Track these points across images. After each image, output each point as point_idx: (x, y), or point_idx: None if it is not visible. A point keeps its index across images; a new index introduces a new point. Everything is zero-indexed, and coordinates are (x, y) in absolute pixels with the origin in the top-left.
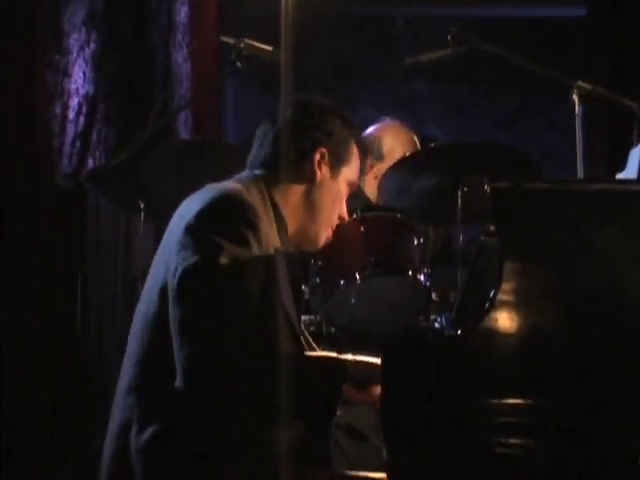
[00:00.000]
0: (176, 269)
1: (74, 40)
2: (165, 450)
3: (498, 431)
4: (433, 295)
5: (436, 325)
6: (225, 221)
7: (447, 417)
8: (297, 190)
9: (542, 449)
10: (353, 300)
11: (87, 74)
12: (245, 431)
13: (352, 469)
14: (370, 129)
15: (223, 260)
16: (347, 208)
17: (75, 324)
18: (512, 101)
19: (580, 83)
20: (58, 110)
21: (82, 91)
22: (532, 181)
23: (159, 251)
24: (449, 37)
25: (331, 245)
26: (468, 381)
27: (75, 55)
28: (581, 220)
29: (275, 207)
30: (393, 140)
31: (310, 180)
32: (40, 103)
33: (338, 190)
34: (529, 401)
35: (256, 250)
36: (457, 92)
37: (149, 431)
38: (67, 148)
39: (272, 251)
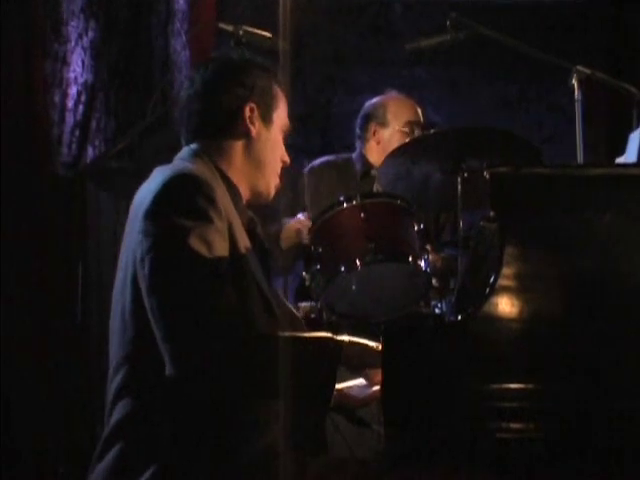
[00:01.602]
0: (143, 259)
1: (72, 28)
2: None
3: (499, 416)
4: (433, 281)
5: (437, 311)
6: (183, 200)
7: (448, 402)
8: (237, 151)
9: (543, 434)
10: (353, 287)
11: (86, 62)
12: (236, 411)
13: (353, 456)
14: (376, 98)
15: (190, 240)
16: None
17: (76, 312)
18: (512, 86)
19: (579, 68)
20: (57, 99)
21: (81, 80)
22: (532, 166)
23: (123, 242)
24: (448, 22)
25: (331, 232)
26: (469, 366)
27: (74, 43)
28: (581, 205)
29: (223, 175)
30: (397, 108)
31: (247, 137)
32: (39, 92)
33: (275, 137)
34: (530, 386)
35: (218, 223)
36: (456, 77)
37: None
38: (66, 137)
39: (233, 221)
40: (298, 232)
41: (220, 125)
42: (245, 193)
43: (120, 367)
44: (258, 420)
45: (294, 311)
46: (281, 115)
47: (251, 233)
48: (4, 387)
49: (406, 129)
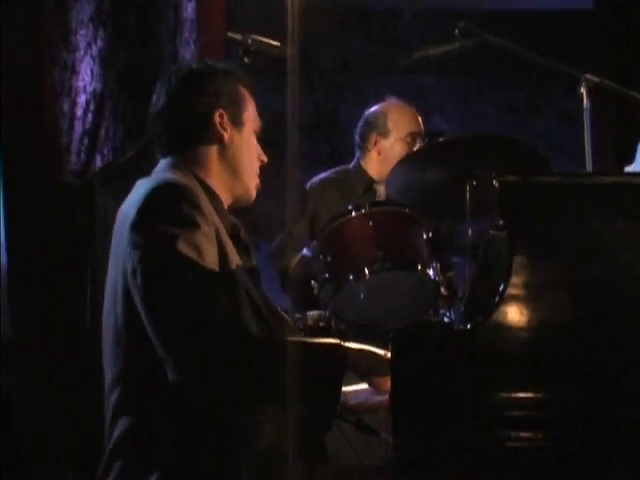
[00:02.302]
0: (135, 271)
1: (81, 37)
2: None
3: (508, 425)
4: (442, 289)
5: (445, 319)
6: (168, 209)
7: (456, 411)
8: (213, 158)
9: (552, 442)
10: (362, 295)
11: (95, 71)
12: (237, 416)
13: (361, 464)
14: (375, 107)
15: (179, 246)
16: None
17: (85, 318)
18: (520, 94)
19: (588, 76)
20: (66, 107)
21: (90, 88)
22: (540, 174)
23: (110, 256)
24: (456, 31)
25: (340, 240)
26: (477, 375)
27: (82, 52)
28: (590, 213)
29: (202, 184)
30: (398, 118)
31: (220, 143)
32: (48, 100)
33: (248, 138)
34: (538, 394)
35: (205, 228)
36: (465, 85)
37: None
38: (75, 145)
39: (218, 228)
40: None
41: (192, 135)
42: (226, 198)
43: (117, 383)
44: (259, 425)
45: (285, 316)
46: (251, 115)
47: (235, 239)
48: (14, 391)
49: (407, 139)
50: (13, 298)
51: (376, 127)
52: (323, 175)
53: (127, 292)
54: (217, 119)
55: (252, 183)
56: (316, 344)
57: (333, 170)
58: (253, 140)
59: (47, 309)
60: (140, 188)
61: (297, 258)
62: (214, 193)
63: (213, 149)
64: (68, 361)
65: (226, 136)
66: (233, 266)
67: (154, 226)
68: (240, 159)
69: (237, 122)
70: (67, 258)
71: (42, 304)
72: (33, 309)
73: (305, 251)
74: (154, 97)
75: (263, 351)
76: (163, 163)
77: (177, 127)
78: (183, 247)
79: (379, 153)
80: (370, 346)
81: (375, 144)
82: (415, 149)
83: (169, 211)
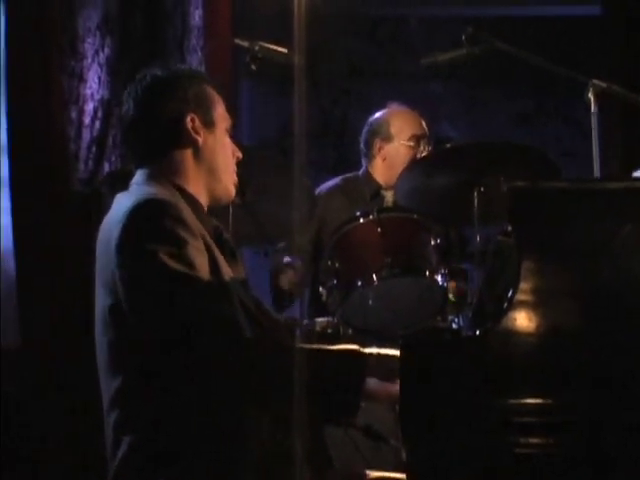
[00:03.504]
0: (127, 295)
1: (89, 45)
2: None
3: (517, 431)
4: (450, 295)
5: (454, 325)
6: (153, 227)
7: (466, 417)
8: (189, 163)
9: (562, 448)
10: (370, 301)
11: (102, 79)
12: (239, 423)
13: (370, 470)
14: (378, 113)
15: (168, 263)
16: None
17: (93, 331)
18: (528, 100)
19: (596, 81)
20: (74, 115)
21: (97, 96)
22: (550, 180)
23: (97, 272)
24: (464, 37)
25: (348, 246)
26: (487, 381)
27: (90, 60)
28: (599, 219)
29: (182, 192)
30: (401, 122)
31: (194, 147)
32: (56, 108)
33: (221, 138)
34: (548, 400)
35: (191, 240)
36: (473, 91)
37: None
38: (83, 153)
39: (204, 236)
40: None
41: (165, 143)
42: (205, 201)
43: (114, 403)
44: (260, 430)
45: (277, 318)
46: (221, 114)
47: (219, 240)
48: (20, 399)
49: (411, 143)
50: (21, 305)
51: (379, 133)
52: (331, 182)
53: (118, 311)
54: (189, 124)
55: (230, 182)
56: (334, 351)
57: (341, 177)
58: (226, 139)
59: (54, 317)
60: (120, 205)
61: (283, 264)
62: (194, 199)
63: (188, 154)
64: (75, 369)
65: (200, 139)
66: (224, 273)
67: (140, 247)
68: (216, 160)
69: (209, 124)
70: (74, 265)
71: (49, 312)
72: (40, 317)
73: (288, 259)
74: (123, 107)
75: (266, 355)
76: (140, 174)
77: (149, 136)
78: (174, 264)
79: (384, 159)
80: (388, 350)
81: (379, 150)
82: (420, 153)
83: (153, 229)
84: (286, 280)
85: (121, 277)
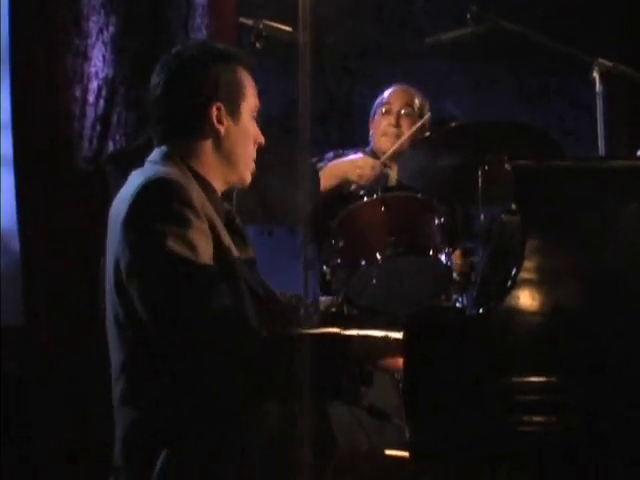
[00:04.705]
0: (130, 271)
1: (93, 23)
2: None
3: (521, 409)
4: (454, 274)
5: (458, 304)
6: (159, 206)
7: (469, 395)
8: (208, 150)
9: (565, 427)
10: (374, 280)
11: (107, 57)
12: (240, 408)
13: (374, 449)
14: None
15: (171, 244)
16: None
17: (98, 309)
18: (532, 79)
19: (600, 60)
20: (78, 94)
21: (102, 74)
22: (554, 159)
23: (107, 247)
24: (468, 16)
25: (352, 226)
26: (490, 360)
27: (94, 38)
28: (603, 197)
29: (197, 176)
30: (393, 99)
31: (216, 137)
32: (60, 86)
33: (245, 128)
34: (552, 379)
35: (198, 224)
36: (477, 70)
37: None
38: (87, 131)
39: (214, 220)
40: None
41: (188, 128)
42: (220, 187)
43: (121, 373)
44: (263, 413)
45: (282, 300)
46: (250, 102)
47: (230, 226)
48: (24, 378)
49: (382, 109)
50: (24, 284)
51: (378, 109)
52: (335, 153)
53: (122, 286)
54: (214, 113)
55: (247, 170)
56: (315, 335)
57: (348, 150)
58: (251, 126)
59: (58, 296)
60: (132, 181)
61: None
62: (208, 184)
63: (208, 142)
64: (77, 348)
65: (222, 130)
66: (232, 256)
67: (145, 225)
68: (236, 149)
69: (234, 113)
70: (78, 244)
71: (53, 291)
72: (44, 296)
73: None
74: (153, 79)
75: (264, 344)
76: (157, 152)
77: (173, 119)
78: (174, 245)
79: (373, 132)
80: (369, 330)
81: (371, 124)
82: (402, 124)
83: (159, 209)
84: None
85: (123, 252)
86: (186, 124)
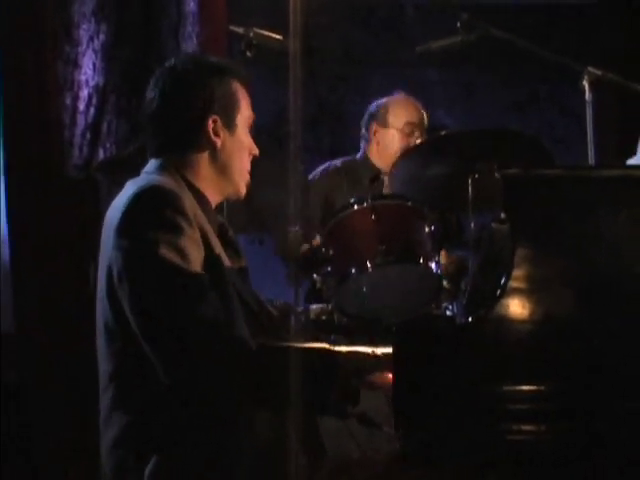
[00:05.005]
0: (121, 276)
1: (84, 31)
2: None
3: (510, 418)
4: (444, 283)
5: (448, 313)
6: (152, 213)
7: (459, 404)
8: (203, 162)
9: (554, 435)
10: (364, 289)
11: (97, 65)
12: (227, 417)
13: (364, 457)
14: (382, 99)
15: (162, 252)
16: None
17: (88, 316)
18: (523, 87)
19: (590, 69)
20: (68, 101)
21: (92, 82)
22: (543, 167)
23: (100, 255)
24: (459, 24)
25: (342, 234)
26: (480, 368)
27: (85, 46)
28: (592, 206)
29: (191, 187)
30: (398, 109)
31: (212, 148)
32: (50, 94)
33: (240, 140)
34: (541, 388)
35: (190, 232)
36: (468, 78)
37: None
38: (78, 139)
39: (206, 230)
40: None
41: (184, 141)
42: (214, 199)
43: (110, 381)
44: (251, 422)
45: (273, 311)
46: (245, 114)
47: (223, 238)
48: (16, 386)
49: (406, 130)
50: (16, 292)
51: (377, 117)
52: (328, 164)
53: (113, 293)
54: (210, 125)
55: (242, 182)
56: (303, 349)
57: (341, 159)
58: (246, 138)
59: (48, 303)
60: (127, 190)
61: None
62: (202, 195)
63: (205, 154)
64: (68, 355)
65: (218, 142)
66: (223, 267)
67: (137, 231)
68: (231, 161)
69: (230, 125)
70: (70, 252)
71: (45, 298)
72: (36, 303)
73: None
74: (148, 93)
75: (252, 354)
76: (152, 163)
77: (170, 132)
78: (166, 252)
79: (378, 143)
80: (358, 346)
81: (375, 134)
82: (415, 141)
83: (152, 216)
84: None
85: (116, 258)
86: (182, 137)
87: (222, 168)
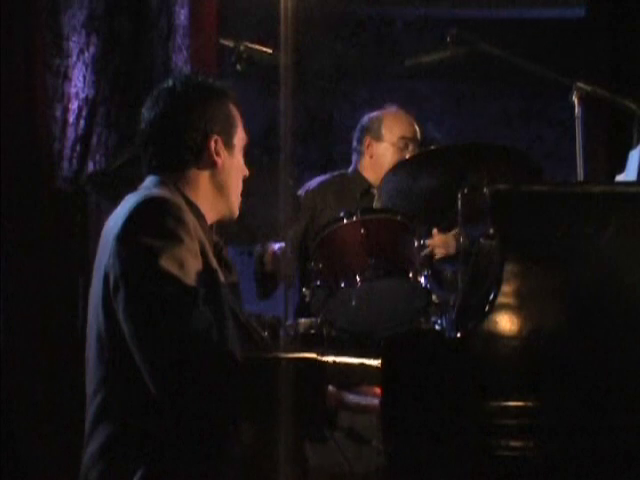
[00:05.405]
0: (117, 283)
1: (74, 43)
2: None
3: (499, 433)
4: (433, 297)
5: (437, 327)
6: (152, 222)
7: (447, 419)
8: (203, 180)
9: (543, 451)
10: (353, 302)
11: (87, 77)
12: (216, 430)
13: (352, 472)
14: (375, 112)
15: (161, 261)
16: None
17: (76, 327)
18: (512, 101)
19: (580, 84)
20: (58, 114)
21: (82, 94)
22: (531, 183)
23: (94, 267)
24: (448, 38)
25: (331, 247)
26: (469, 383)
27: (75, 58)
28: (581, 222)
29: (189, 203)
30: (393, 123)
31: (212, 167)
32: (40, 106)
33: (238, 160)
34: (530, 403)
35: (189, 243)
36: (458, 92)
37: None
38: (67, 152)
39: (204, 243)
40: (274, 257)
41: (185, 160)
42: (210, 218)
43: (98, 390)
44: (236, 438)
45: (260, 331)
46: (240, 135)
47: (218, 257)
48: (4, 402)
49: (400, 144)
50: (5, 305)
51: (370, 131)
52: (321, 178)
53: (108, 302)
54: (212, 145)
55: (236, 201)
56: (292, 359)
57: (331, 174)
58: (240, 159)
59: (37, 314)
60: (127, 202)
61: (269, 252)
62: (200, 212)
63: (205, 173)
64: (57, 366)
65: (220, 162)
66: (219, 282)
67: (138, 239)
68: (229, 181)
69: (229, 146)
70: (58, 263)
71: (34, 310)
72: (23, 314)
73: (276, 246)
74: (145, 112)
75: (241, 368)
76: (151, 179)
77: (171, 150)
78: (165, 262)
79: (371, 156)
80: (348, 356)
81: (368, 147)
82: (408, 156)
83: (153, 225)
84: (270, 262)
85: (113, 265)
86: (184, 157)
87: (220, 187)
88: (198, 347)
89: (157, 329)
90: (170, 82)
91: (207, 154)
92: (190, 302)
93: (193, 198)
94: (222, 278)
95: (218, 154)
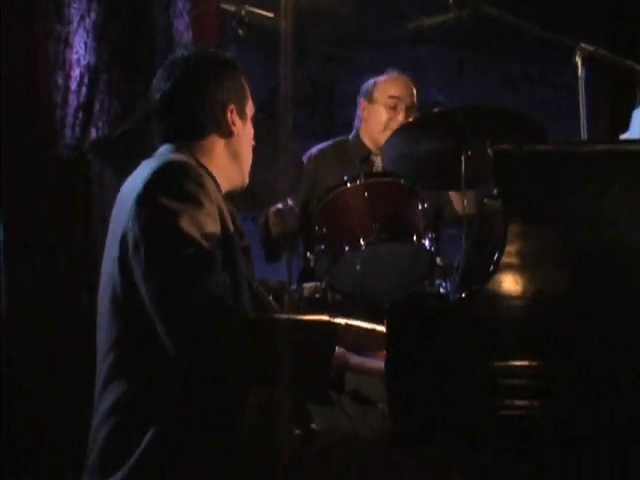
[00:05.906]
0: (137, 243)
1: (75, 10)
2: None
3: (503, 393)
4: (437, 260)
5: (441, 290)
6: (173, 185)
7: (452, 381)
8: (219, 149)
9: (547, 411)
10: (358, 266)
11: (88, 44)
12: (229, 389)
13: (357, 435)
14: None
15: (181, 222)
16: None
17: (80, 294)
18: (515, 64)
19: (583, 45)
20: (60, 81)
21: (84, 61)
22: (535, 143)
23: (110, 230)
24: (451, 1)
25: (335, 212)
26: (473, 344)
27: (76, 25)
28: (584, 181)
29: (205, 171)
30: (385, 84)
31: (229, 137)
32: (42, 74)
33: (249, 130)
34: (534, 363)
35: (209, 206)
36: (460, 56)
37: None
38: (69, 119)
39: (222, 207)
40: (278, 215)
41: (205, 128)
42: (223, 186)
43: (111, 350)
44: (244, 396)
45: (266, 297)
46: (250, 105)
47: (233, 222)
48: (8, 375)
49: (389, 103)
50: (9, 273)
51: (365, 94)
52: (321, 145)
53: (125, 263)
54: (229, 114)
55: (247, 170)
56: (306, 321)
57: (331, 140)
58: (252, 128)
59: (40, 283)
60: (145, 167)
61: (272, 210)
62: (215, 180)
63: (221, 141)
64: (60, 336)
65: (235, 130)
66: (236, 246)
67: (158, 201)
68: (242, 149)
69: (243, 115)
70: (60, 231)
71: (35, 278)
72: (26, 283)
73: (279, 205)
74: (158, 82)
75: (257, 331)
76: (167, 147)
77: (191, 120)
78: (185, 224)
79: (366, 120)
80: (359, 321)
81: (363, 111)
82: (400, 115)
83: (175, 188)
84: (275, 221)
85: (133, 226)
86: (203, 125)
87: (234, 155)
88: (212, 308)
89: (175, 290)
90: (184, 53)
91: (225, 124)
92: (207, 265)
93: (208, 165)
94: (237, 243)
95: (234, 123)
